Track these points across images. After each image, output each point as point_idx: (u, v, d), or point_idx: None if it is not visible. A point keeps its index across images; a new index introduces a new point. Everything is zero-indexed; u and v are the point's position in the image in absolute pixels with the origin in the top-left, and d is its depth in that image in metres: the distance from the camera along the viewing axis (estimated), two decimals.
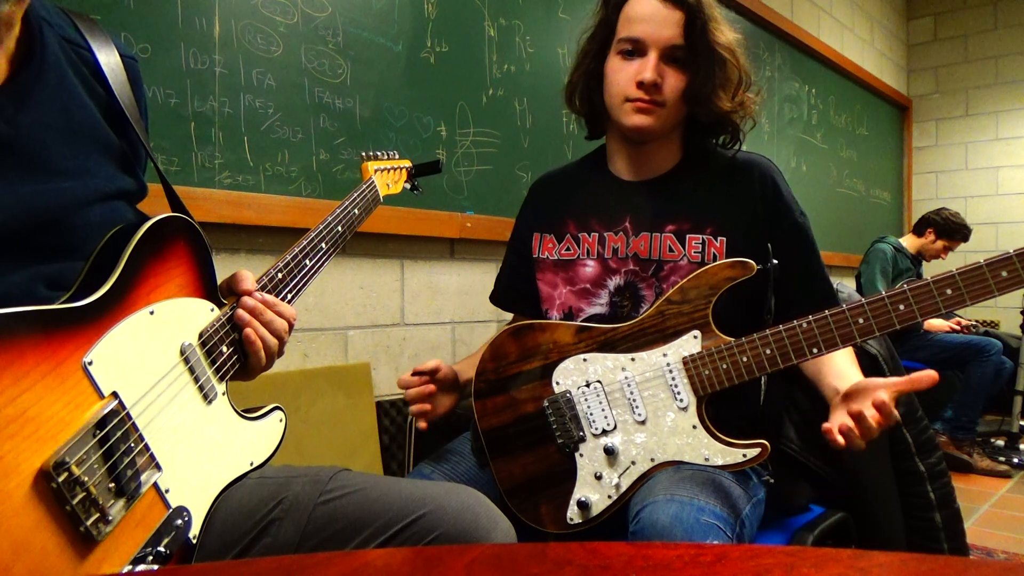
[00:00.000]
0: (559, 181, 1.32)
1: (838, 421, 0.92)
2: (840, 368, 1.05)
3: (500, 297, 1.39)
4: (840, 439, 0.91)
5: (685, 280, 1.06)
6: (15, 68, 0.64)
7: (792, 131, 3.91)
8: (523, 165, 2.31)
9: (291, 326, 0.84)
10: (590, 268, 1.20)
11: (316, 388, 1.78)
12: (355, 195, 1.03)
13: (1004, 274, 0.87)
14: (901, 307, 0.92)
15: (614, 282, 1.17)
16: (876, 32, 4.92)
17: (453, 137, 2.10)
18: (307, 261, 0.90)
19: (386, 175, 1.16)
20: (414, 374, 1.19)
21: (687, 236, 1.13)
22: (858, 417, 0.90)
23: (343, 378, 1.85)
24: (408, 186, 1.26)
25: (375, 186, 1.09)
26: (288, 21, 1.72)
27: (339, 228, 0.96)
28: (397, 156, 1.22)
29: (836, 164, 4.38)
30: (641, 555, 0.49)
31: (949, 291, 0.90)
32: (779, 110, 3.78)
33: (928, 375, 0.89)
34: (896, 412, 0.90)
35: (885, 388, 0.91)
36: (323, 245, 0.93)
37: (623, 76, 1.11)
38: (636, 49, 1.10)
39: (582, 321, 1.18)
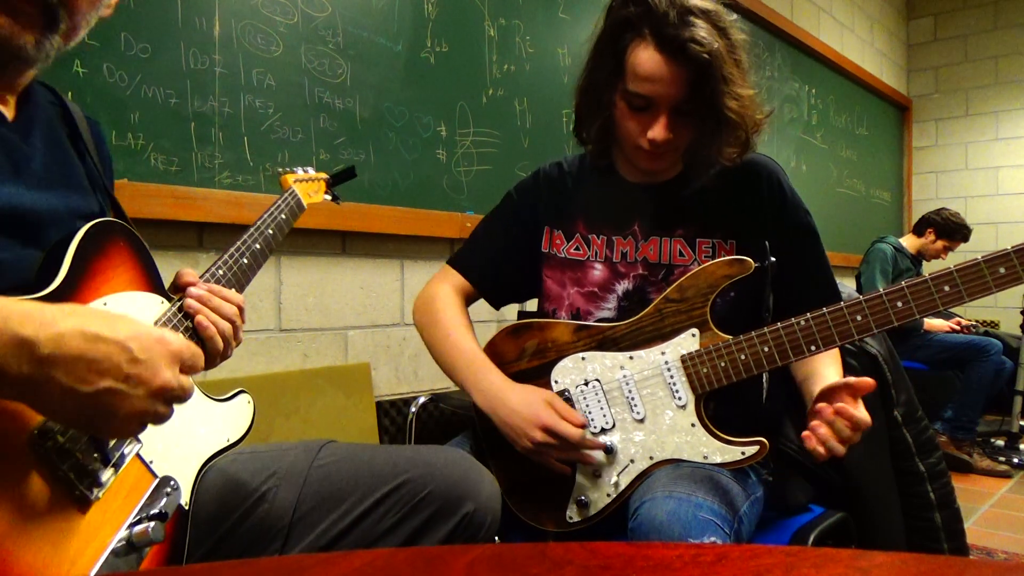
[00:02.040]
0: (569, 177, 1.27)
1: (816, 431, 0.93)
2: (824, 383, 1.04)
3: (471, 268, 1.28)
4: (820, 448, 0.92)
5: (683, 278, 1.06)
6: (19, 107, 0.78)
7: (792, 131, 3.91)
8: (523, 165, 2.31)
9: (241, 311, 0.88)
10: (598, 271, 1.18)
11: (316, 388, 1.78)
12: (279, 202, 1.09)
13: (1002, 271, 0.86)
14: (899, 304, 0.92)
15: (623, 287, 1.16)
16: (876, 32, 4.92)
17: (453, 137, 2.10)
18: (244, 260, 0.95)
19: (305, 185, 1.22)
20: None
21: (697, 240, 1.12)
22: (831, 424, 0.92)
23: (343, 378, 1.85)
24: (328, 197, 1.31)
25: (296, 194, 1.15)
26: (288, 21, 1.72)
27: (269, 231, 1.02)
28: (312, 171, 1.29)
29: (836, 164, 4.38)
30: (641, 555, 0.49)
31: (947, 288, 0.89)
32: (779, 110, 3.78)
33: (866, 382, 0.93)
34: (865, 415, 0.92)
35: (845, 392, 0.94)
36: (257, 246, 0.98)
37: (633, 127, 1.08)
38: (646, 104, 1.05)
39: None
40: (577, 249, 1.21)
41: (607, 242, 1.18)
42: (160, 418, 0.64)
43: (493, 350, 1.19)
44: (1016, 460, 3.43)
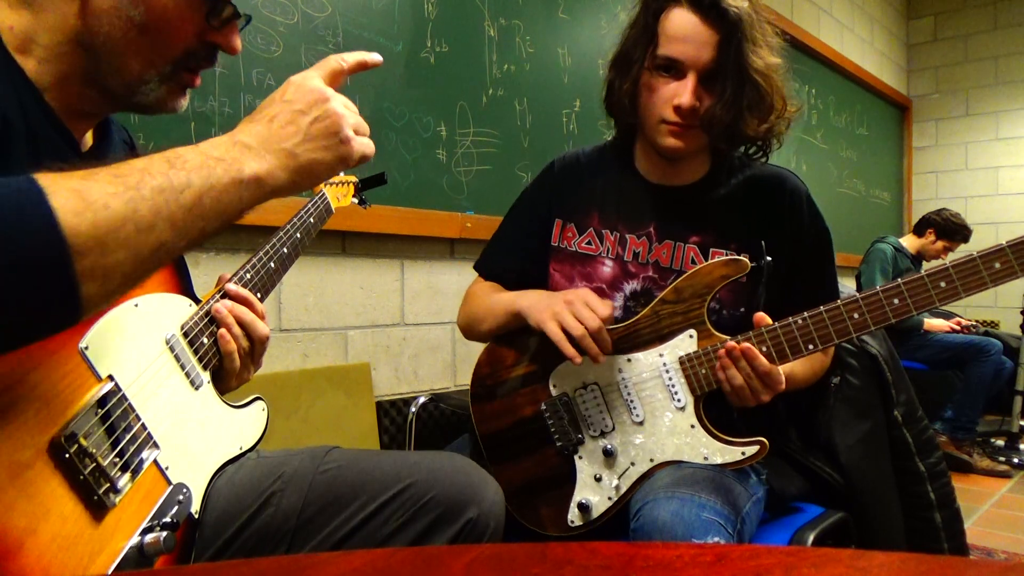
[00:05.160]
0: (586, 170, 1.25)
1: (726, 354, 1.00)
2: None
3: (492, 275, 1.31)
4: (723, 378, 0.99)
5: (679, 280, 1.06)
6: (95, 138, 0.82)
7: (792, 131, 3.91)
8: (523, 165, 2.31)
9: (264, 339, 0.88)
10: (608, 268, 1.17)
11: (316, 388, 1.78)
12: (309, 206, 1.08)
13: (997, 265, 0.87)
14: (896, 301, 0.93)
15: (631, 286, 1.15)
16: (876, 32, 4.92)
17: (453, 137, 2.10)
18: (271, 264, 0.95)
19: (335, 188, 1.22)
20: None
21: (711, 250, 1.11)
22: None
23: (343, 378, 1.85)
24: (356, 200, 1.32)
25: (326, 198, 1.16)
26: (288, 21, 1.72)
27: (298, 235, 1.02)
28: (343, 174, 1.29)
29: (836, 164, 4.37)
30: (641, 555, 0.49)
31: (943, 284, 0.90)
32: None
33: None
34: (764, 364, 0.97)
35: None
36: (284, 250, 0.98)
37: (660, 97, 1.07)
38: (675, 69, 1.05)
39: None
40: (589, 243, 1.19)
41: (620, 239, 1.17)
42: (357, 153, 0.71)
43: (491, 354, 1.19)
44: (1016, 460, 3.43)
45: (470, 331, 1.27)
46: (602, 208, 1.20)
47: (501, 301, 1.18)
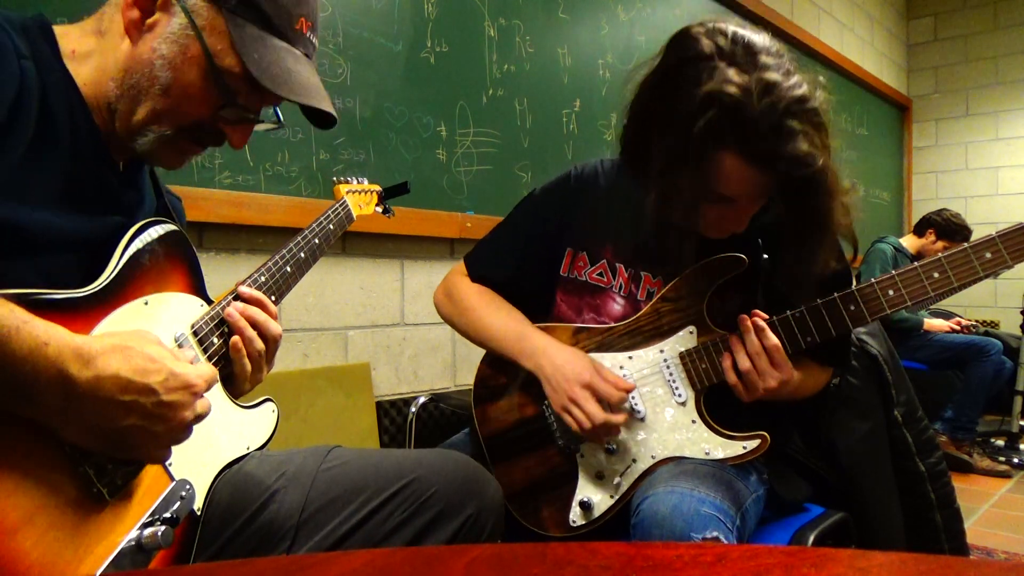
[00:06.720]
0: (604, 195, 1.18)
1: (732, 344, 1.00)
2: None
3: (492, 279, 1.24)
4: (727, 362, 0.99)
5: (678, 278, 1.06)
6: (127, 164, 0.84)
7: None
8: (523, 165, 2.31)
9: (277, 338, 0.89)
10: (618, 305, 1.13)
11: (316, 388, 1.78)
12: (329, 212, 1.09)
13: (988, 255, 0.89)
14: (891, 292, 0.94)
15: None
16: (876, 32, 4.92)
17: (453, 137, 2.10)
18: (288, 268, 0.95)
19: (357, 197, 1.23)
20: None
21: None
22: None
23: (343, 378, 1.85)
24: (380, 208, 1.32)
25: (347, 205, 1.16)
26: None
27: (316, 240, 1.02)
28: (367, 182, 1.29)
29: (836, 164, 4.37)
30: (641, 555, 0.49)
31: (936, 275, 0.92)
32: None
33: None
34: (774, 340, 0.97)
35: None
36: (302, 255, 0.98)
37: (711, 215, 1.00)
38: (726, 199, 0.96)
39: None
40: (600, 275, 1.15)
41: (633, 276, 1.13)
42: (179, 442, 0.70)
43: (493, 355, 1.19)
44: (1016, 460, 3.43)
45: (453, 326, 1.26)
46: (616, 241, 1.14)
47: (508, 341, 1.13)
